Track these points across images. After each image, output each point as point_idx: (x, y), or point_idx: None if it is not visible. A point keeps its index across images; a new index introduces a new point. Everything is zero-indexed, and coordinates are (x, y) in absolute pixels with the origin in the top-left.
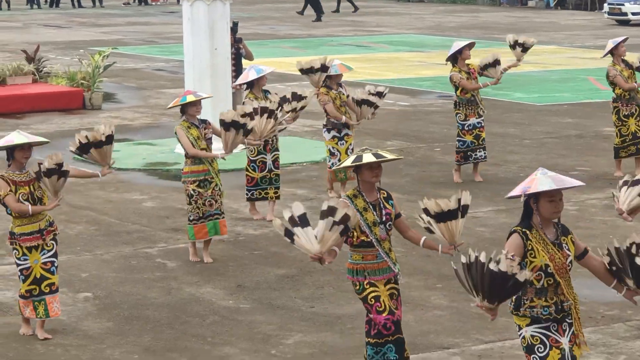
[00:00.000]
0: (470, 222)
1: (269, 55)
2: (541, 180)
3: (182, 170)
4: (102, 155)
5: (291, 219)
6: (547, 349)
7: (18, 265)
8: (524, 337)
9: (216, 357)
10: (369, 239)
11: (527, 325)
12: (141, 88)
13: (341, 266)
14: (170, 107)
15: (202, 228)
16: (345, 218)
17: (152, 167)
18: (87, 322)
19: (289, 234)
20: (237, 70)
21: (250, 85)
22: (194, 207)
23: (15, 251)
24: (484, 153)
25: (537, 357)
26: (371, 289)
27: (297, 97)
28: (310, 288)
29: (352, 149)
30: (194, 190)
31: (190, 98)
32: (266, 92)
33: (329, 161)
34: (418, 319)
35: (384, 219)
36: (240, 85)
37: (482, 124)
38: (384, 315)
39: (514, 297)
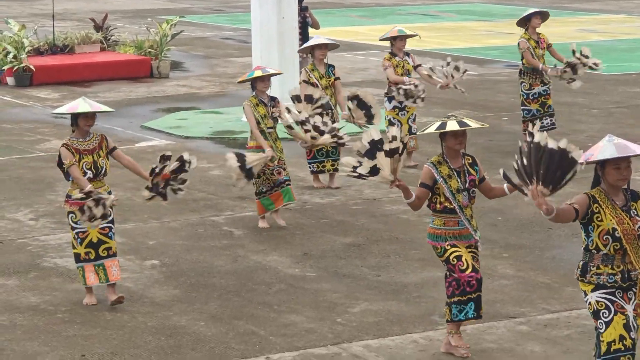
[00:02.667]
0: None
1: (336, 24)
2: (604, 148)
3: (247, 144)
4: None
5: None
6: (612, 314)
7: (74, 228)
8: (589, 303)
9: (282, 324)
10: (452, 206)
11: (592, 290)
12: (209, 57)
13: (407, 235)
14: (239, 82)
15: (278, 196)
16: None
17: (219, 136)
18: (154, 290)
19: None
20: (304, 39)
21: (312, 55)
22: (264, 179)
23: (71, 215)
24: (551, 120)
25: (602, 322)
26: (453, 249)
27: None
28: (377, 257)
29: (414, 119)
30: None
31: (257, 73)
32: (330, 67)
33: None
34: (484, 288)
35: (467, 185)
36: (306, 53)
37: (548, 92)
38: (467, 272)
39: (581, 263)
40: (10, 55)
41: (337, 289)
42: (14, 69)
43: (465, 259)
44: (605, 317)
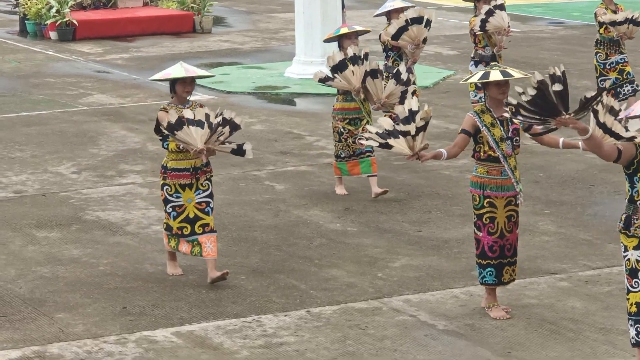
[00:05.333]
0: None
1: None
2: None
3: (333, 106)
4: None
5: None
6: None
7: (169, 202)
8: (628, 260)
9: (323, 279)
10: (496, 154)
11: (634, 248)
12: (251, 12)
13: (449, 190)
14: (325, 41)
15: (355, 165)
16: (424, 126)
17: (261, 91)
18: None
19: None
20: None
21: (388, 17)
22: (344, 144)
23: (166, 187)
24: (632, 87)
25: (639, 282)
26: (489, 208)
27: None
28: (418, 212)
29: None
30: (344, 127)
31: (343, 30)
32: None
33: (476, 96)
34: (525, 244)
35: (510, 134)
36: (344, 10)
37: (626, 60)
38: (493, 237)
39: (624, 216)
40: (54, 10)
41: (378, 243)
42: (57, 23)
43: (498, 223)
44: None
